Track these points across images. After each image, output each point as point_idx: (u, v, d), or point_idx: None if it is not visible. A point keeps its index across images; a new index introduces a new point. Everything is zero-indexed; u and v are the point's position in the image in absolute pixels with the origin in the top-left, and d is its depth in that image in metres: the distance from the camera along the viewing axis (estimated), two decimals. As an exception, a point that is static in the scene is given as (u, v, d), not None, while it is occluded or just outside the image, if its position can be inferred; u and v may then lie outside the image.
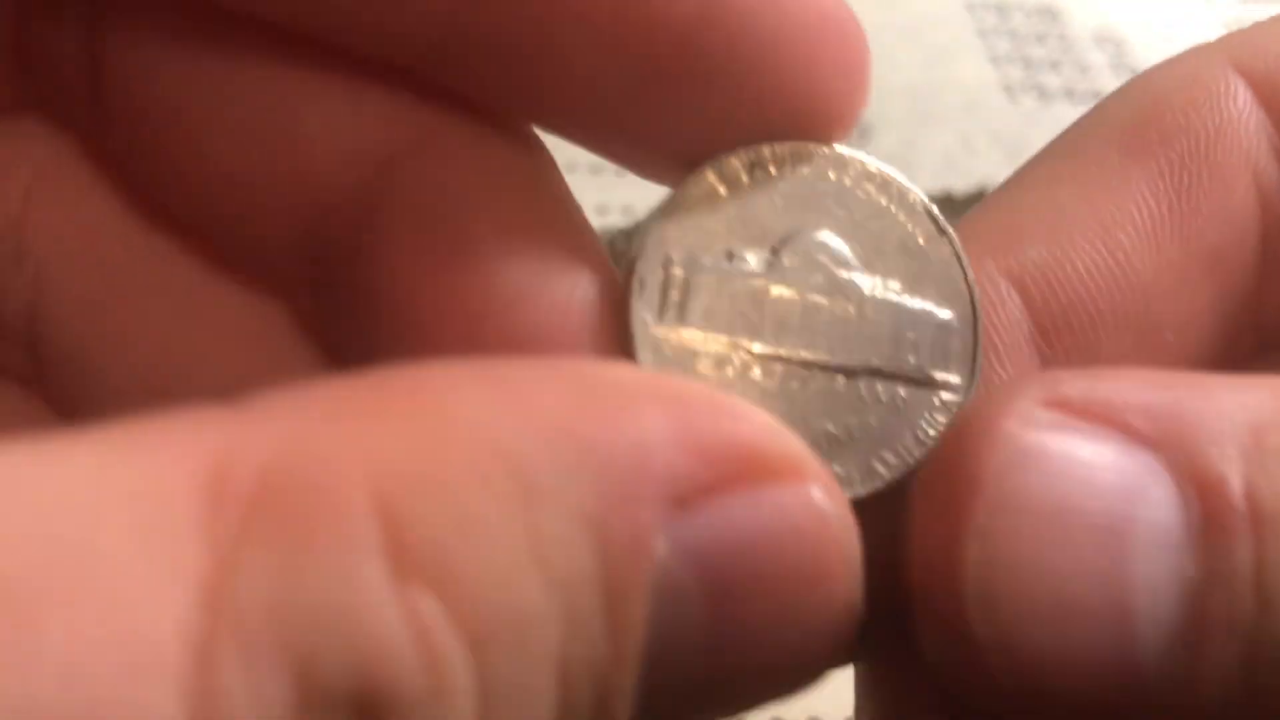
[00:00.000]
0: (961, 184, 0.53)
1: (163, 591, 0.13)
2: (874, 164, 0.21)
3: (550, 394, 0.16)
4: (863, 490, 0.20)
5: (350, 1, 0.19)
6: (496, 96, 0.20)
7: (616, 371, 0.17)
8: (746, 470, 0.16)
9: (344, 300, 0.21)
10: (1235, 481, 0.17)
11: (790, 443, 0.17)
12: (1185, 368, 0.23)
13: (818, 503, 0.17)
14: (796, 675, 0.18)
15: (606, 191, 0.52)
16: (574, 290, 0.20)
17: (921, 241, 0.21)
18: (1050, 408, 0.18)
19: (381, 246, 0.20)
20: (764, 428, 0.17)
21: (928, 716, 0.22)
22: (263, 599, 0.13)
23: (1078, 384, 0.18)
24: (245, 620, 0.13)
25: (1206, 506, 0.17)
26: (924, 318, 0.21)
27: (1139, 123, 0.23)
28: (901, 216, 0.21)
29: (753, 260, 0.20)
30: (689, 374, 0.19)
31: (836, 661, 0.18)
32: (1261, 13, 0.28)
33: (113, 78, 0.22)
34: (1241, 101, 0.23)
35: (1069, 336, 0.22)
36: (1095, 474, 0.18)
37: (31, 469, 0.13)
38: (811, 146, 0.20)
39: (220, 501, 0.13)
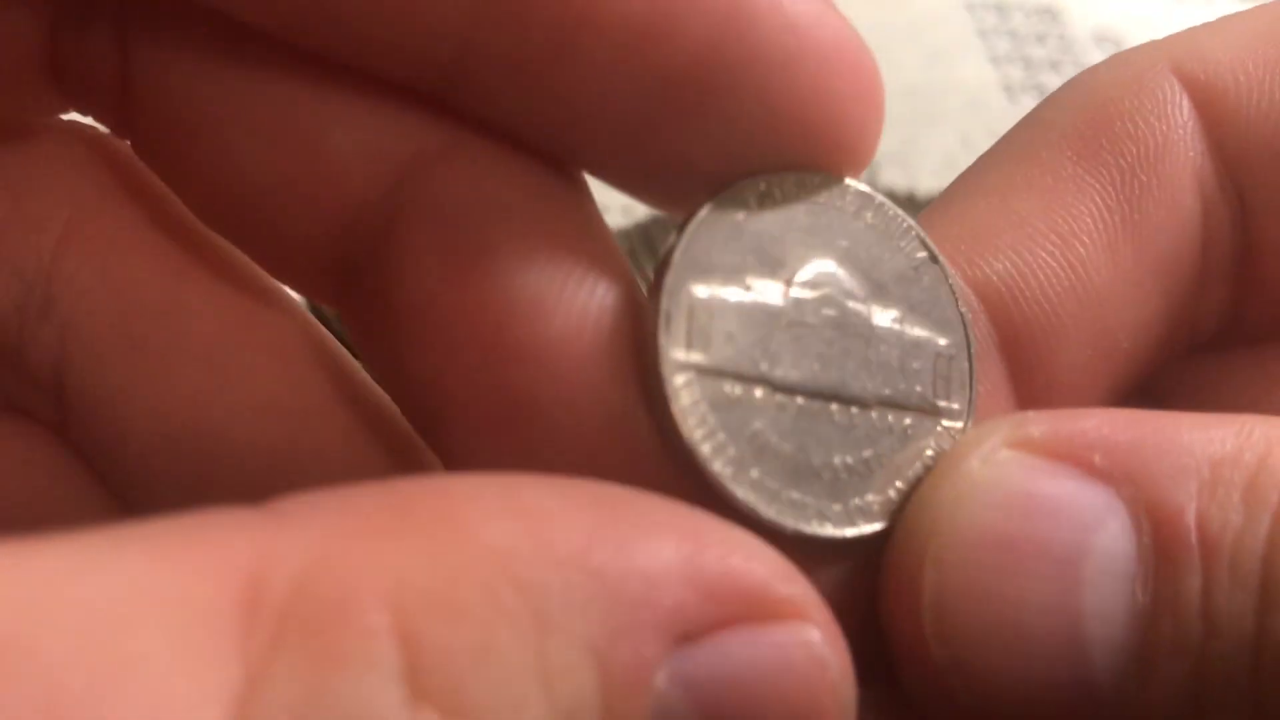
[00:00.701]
0: (961, 184, 0.53)
1: (198, 703, 0.13)
2: (870, 191, 0.21)
3: (567, 519, 0.16)
4: (885, 523, 0.20)
5: (362, 21, 0.19)
6: (512, 121, 0.20)
7: (635, 498, 0.17)
8: (750, 609, 0.17)
9: (367, 307, 0.22)
10: (1189, 513, 0.18)
11: (796, 584, 0.17)
12: (1134, 370, 0.24)
13: (816, 646, 0.17)
14: None
15: (606, 191, 0.52)
16: (593, 299, 0.20)
17: (916, 269, 0.21)
18: (1015, 447, 0.19)
19: (403, 254, 0.21)
20: (773, 567, 0.17)
21: None
22: (288, 715, 0.14)
23: (1044, 423, 0.19)
24: None
25: (1159, 537, 0.18)
26: (925, 346, 0.21)
27: (1089, 129, 0.23)
28: (897, 243, 0.21)
29: (769, 292, 0.20)
30: (720, 405, 0.19)
31: None
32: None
33: (141, 87, 0.22)
34: (1185, 110, 0.23)
35: (1030, 348, 0.23)
36: (1053, 506, 0.19)
37: (76, 574, 0.14)
38: (814, 175, 0.20)
39: (253, 614, 0.14)
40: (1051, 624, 0.18)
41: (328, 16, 0.20)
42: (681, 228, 0.20)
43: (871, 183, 0.53)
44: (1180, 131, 0.23)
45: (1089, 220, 0.23)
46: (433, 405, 0.20)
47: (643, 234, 0.47)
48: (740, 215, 0.20)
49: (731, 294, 0.20)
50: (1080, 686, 0.18)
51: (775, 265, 0.20)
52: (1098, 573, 0.18)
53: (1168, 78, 0.24)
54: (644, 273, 0.48)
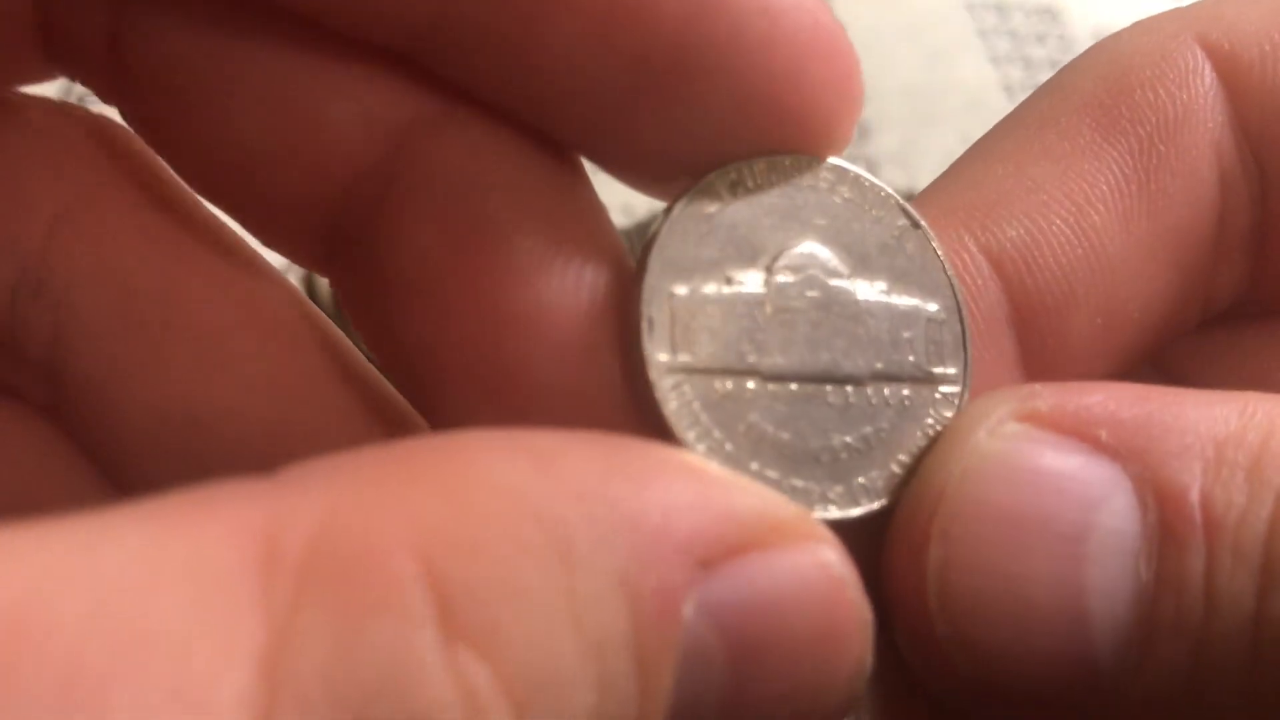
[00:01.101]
0: (961, 184, 0.53)
1: (222, 666, 0.13)
2: (843, 165, 0.21)
3: (579, 460, 0.16)
4: (889, 499, 0.20)
5: None
6: (496, 94, 0.20)
7: (637, 443, 0.17)
8: (763, 534, 0.17)
9: (360, 275, 0.22)
10: (1194, 492, 0.18)
11: (798, 510, 0.18)
12: (1144, 342, 0.24)
13: (831, 564, 0.17)
14: (824, 702, 0.18)
15: (606, 191, 0.52)
16: (585, 269, 0.20)
17: (898, 237, 0.21)
18: (1022, 420, 0.19)
19: (398, 222, 0.21)
20: (772, 498, 0.17)
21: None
22: (319, 667, 0.13)
23: (1051, 396, 0.19)
24: (303, 689, 0.13)
25: (1164, 515, 0.18)
26: (914, 314, 0.21)
27: (1109, 97, 0.23)
28: (876, 214, 0.21)
29: (750, 281, 0.20)
30: (712, 402, 0.20)
31: (847, 710, 0.18)
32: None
33: (132, 53, 0.22)
34: (1208, 80, 0.23)
35: (1043, 316, 0.23)
36: (1059, 482, 0.19)
37: (88, 549, 0.14)
38: (784, 157, 0.21)
39: (272, 572, 0.14)
40: (1055, 599, 0.18)
41: None
42: (654, 228, 0.20)
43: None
44: (1201, 102, 0.23)
45: (1105, 189, 0.23)
46: (425, 373, 0.21)
47: (642, 233, 0.47)
48: (713, 208, 0.20)
49: (712, 289, 0.20)
50: (1081, 662, 0.18)
51: (754, 253, 0.20)
52: (1102, 549, 0.18)
53: (1191, 47, 0.23)
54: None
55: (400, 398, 0.24)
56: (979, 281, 0.22)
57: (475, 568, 0.14)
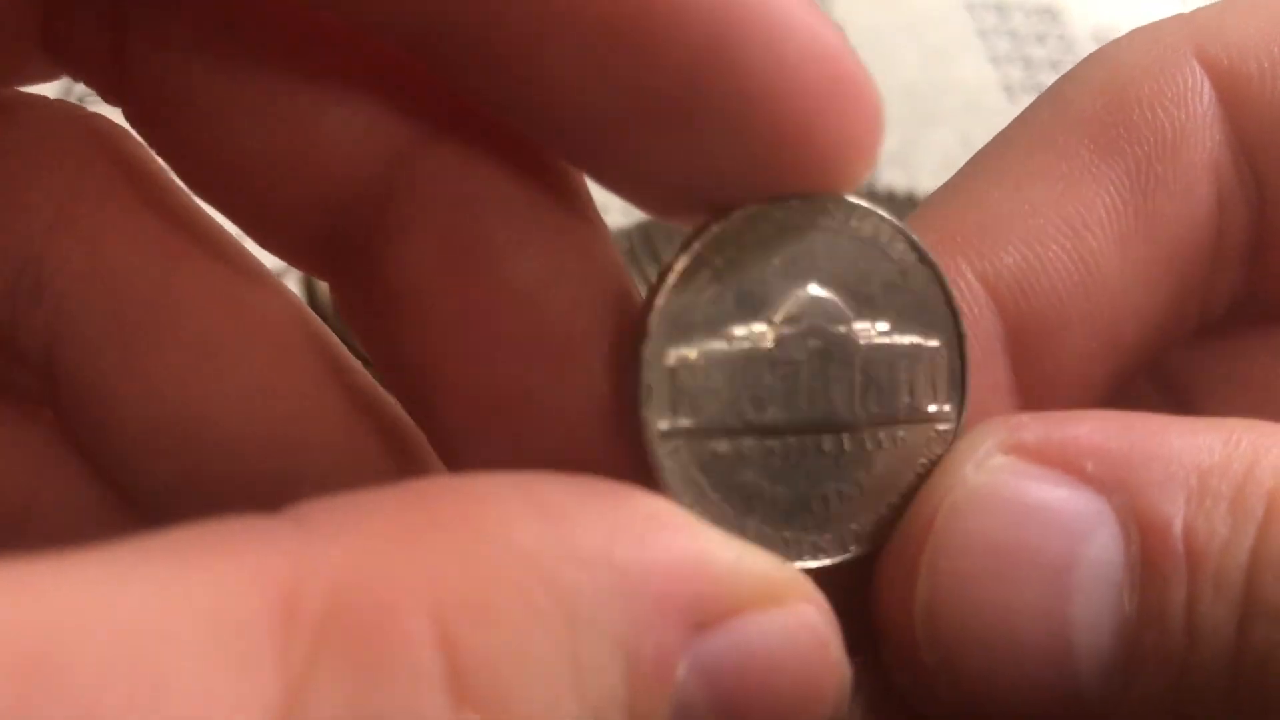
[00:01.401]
0: (961, 184, 0.53)
1: (237, 718, 0.13)
2: (850, 199, 0.21)
3: (588, 518, 0.16)
4: (873, 546, 0.20)
5: None
6: (491, 104, 0.20)
7: (640, 495, 0.17)
8: (754, 595, 0.17)
9: (360, 283, 0.22)
10: (1177, 523, 0.18)
11: (788, 571, 0.18)
12: (1141, 358, 0.24)
13: (816, 625, 0.18)
14: None
15: (607, 191, 0.51)
16: (583, 290, 0.20)
17: (904, 272, 0.21)
18: (1009, 452, 0.19)
19: (396, 234, 0.21)
20: (763, 559, 0.18)
21: None
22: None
23: (1037, 428, 0.19)
24: None
25: (1147, 547, 0.18)
26: (915, 352, 0.21)
27: (1107, 114, 0.23)
28: (885, 248, 0.21)
29: (752, 336, 0.20)
30: (708, 464, 0.20)
31: None
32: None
33: (136, 58, 0.22)
34: (1206, 98, 0.23)
35: (1038, 340, 0.23)
36: (1044, 515, 0.19)
37: (109, 587, 0.14)
38: (793, 198, 0.20)
39: (290, 626, 0.14)
40: (1040, 631, 0.19)
41: None
42: (655, 287, 0.20)
43: (871, 183, 0.54)
44: (1199, 121, 0.23)
45: (1102, 211, 0.23)
46: (422, 386, 0.21)
47: (643, 234, 0.47)
48: (717, 260, 0.20)
49: (714, 349, 0.20)
50: (1066, 692, 0.19)
51: (756, 306, 0.20)
52: (1087, 581, 0.19)
53: (1189, 62, 0.23)
54: (644, 272, 0.48)
55: (396, 405, 0.24)
56: (975, 309, 0.22)
57: (487, 633, 0.15)
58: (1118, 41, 0.24)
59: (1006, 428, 0.20)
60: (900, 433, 0.21)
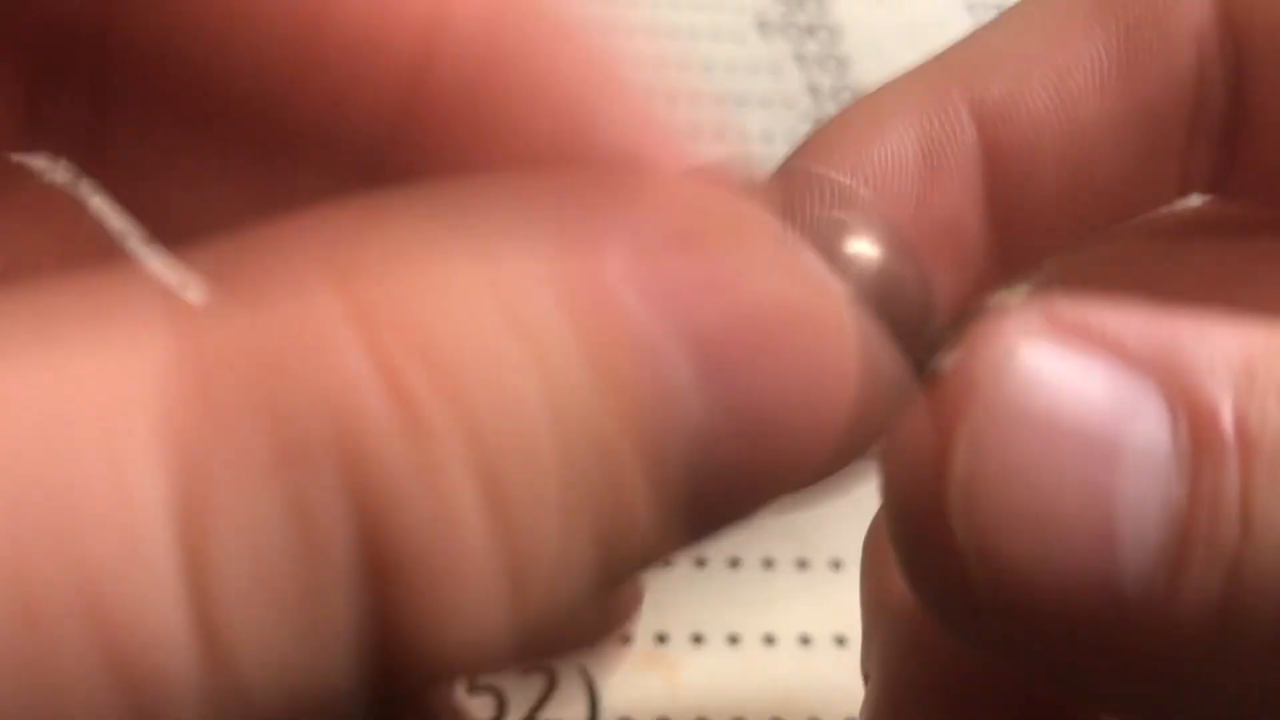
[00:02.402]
0: (961, 184, 0.53)
1: (130, 359, 0.13)
2: None
3: (503, 180, 0.15)
4: None
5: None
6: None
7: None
8: (717, 226, 0.15)
9: None
10: (1226, 409, 0.18)
11: (755, 206, 0.16)
12: (1113, 209, 0.27)
13: (810, 267, 0.16)
14: (815, 439, 0.16)
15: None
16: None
17: None
18: (1050, 329, 0.19)
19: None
20: (724, 193, 0.16)
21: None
22: (221, 350, 0.13)
23: (1075, 309, 0.19)
24: (212, 378, 0.13)
25: (1196, 431, 0.18)
26: None
27: None
28: None
29: None
30: None
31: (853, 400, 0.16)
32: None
33: (114, 155, 0.22)
34: None
35: (1013, 163, 0.25)
36: (1089, 392, 0.18)
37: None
38: None
39: (175, 301, 0.13)
40: (1086, 514, 0.18)
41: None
42: None
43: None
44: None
45: (1087, 61, 0.25)
46: None
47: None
48: None
49: None
50: (1107, 583, 0.18)
51: None
52: (1133, 462, 0.18)
53: None
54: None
55: None
56: (957, 126, 0.25)
57: (386, 262, 0.14)
58: None
59: (1049, 308, 0.19)
60: None
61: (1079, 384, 0.18)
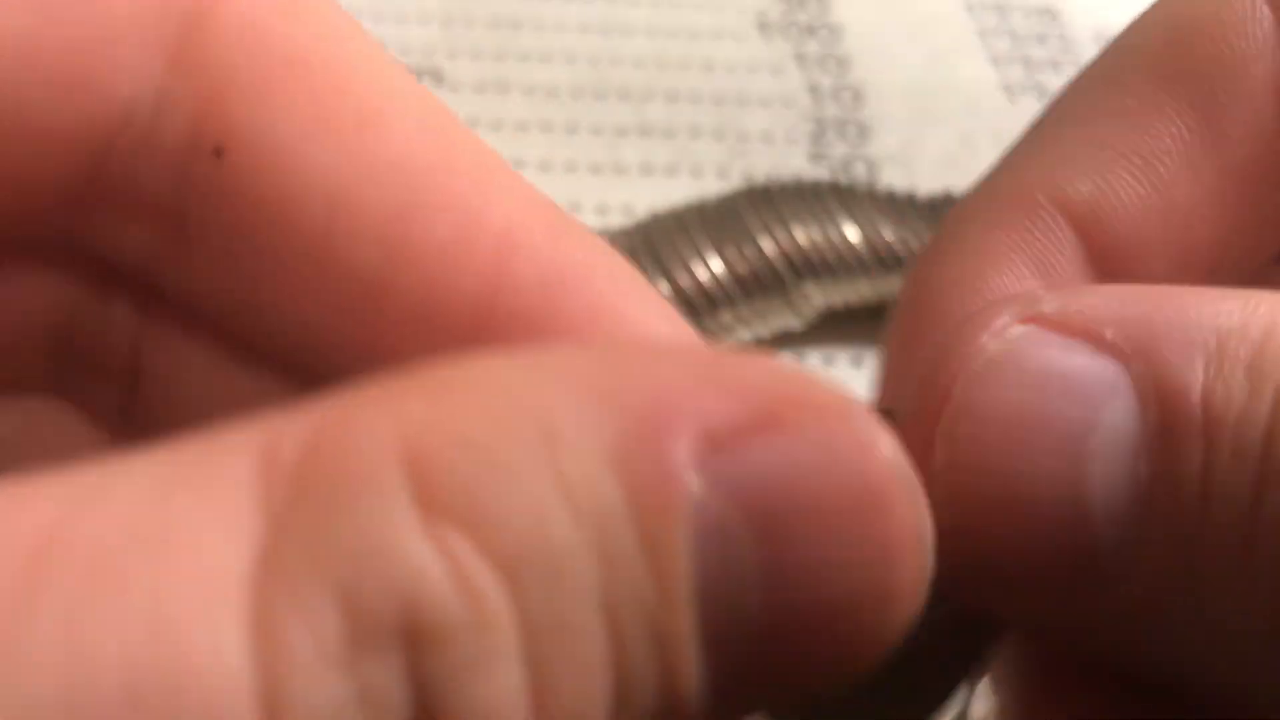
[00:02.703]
0: (961, 184, 0.53)
1: (226, 547, 0.14)
2: None
3: (575, 355, 0.16)
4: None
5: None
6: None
7: (643, 338, 0.17)
8: (785, 409, 0.15)
9: None
10: (1195, 389, 0.19)
11: (825, 385, 0.16)
12: (1217, 281, 0.25)
13: (863, 433, 0.16)
14: (869, 622, 0.16)
15: (607, 191, 0.52)
16: None
17: None
18: (1027, 322, 0.20)
19: None
20: (795, 372, 0.16)
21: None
22: (307, 546, 0.14)
23: (1055, 299, 0.20)
24: (292, 565, 0.14)
25: (1164, 412, 0.19)
26: None
27: (1168, 50, 0.24)
28: None
29: None
30: None
31: (911, 605, 0.16)
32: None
33: (150, 390, 0.23)
34: (1265, 23, 0.24)
35: (1117, 266, 0.24)
36: (1063, 383, 0.19)
37: (102, 483, 0.14)
38: None
39: (270, 473, 0.14)
40: (1056, 495, 0.19)
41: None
42: None
43: (872, 183, 0.54)
44: (1260, 44, 0.24)
45: (1169, 141, 0.24)
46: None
47: (643, 234, 0.47)
48: None
49: None
50: (1080, 552, 0.19)
51: None
52: (1103, 447, 0.19)
53: None
54: (644, 273, 0.48)
55: None
56: (1054, 233, 0.23)
57: (454, 449, 0.15)
58: None
59: (1022, 300, 0.20)
60: None
61: (1052, 377, 0.19)
